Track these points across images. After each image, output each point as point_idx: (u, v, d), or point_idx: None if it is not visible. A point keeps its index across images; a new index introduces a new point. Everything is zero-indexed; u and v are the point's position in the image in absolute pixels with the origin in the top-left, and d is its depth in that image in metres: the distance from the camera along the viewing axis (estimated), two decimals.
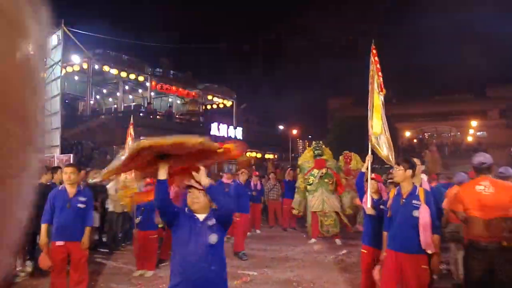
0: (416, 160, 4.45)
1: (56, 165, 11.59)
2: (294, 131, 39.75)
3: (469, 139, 38.34)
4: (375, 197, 4.96)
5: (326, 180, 9.37)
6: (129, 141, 7.41)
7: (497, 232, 3.53)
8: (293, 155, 36.44)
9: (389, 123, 5.29)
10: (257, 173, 12.25)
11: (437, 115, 41.63)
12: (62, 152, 13.37)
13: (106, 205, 8.21)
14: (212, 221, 2.68)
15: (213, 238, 2.63)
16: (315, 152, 9.77)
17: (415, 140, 40.15)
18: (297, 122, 41.29)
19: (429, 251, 3.71)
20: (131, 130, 7.58)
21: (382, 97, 4.99)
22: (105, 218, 8.28)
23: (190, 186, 2.75)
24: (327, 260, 7.73)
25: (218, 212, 2.69)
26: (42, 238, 4.72)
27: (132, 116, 8.26)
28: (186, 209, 2.79)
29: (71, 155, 12.51)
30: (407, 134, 41.35)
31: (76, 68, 20.97)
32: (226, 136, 25.17)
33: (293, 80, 59.72)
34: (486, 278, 3.59)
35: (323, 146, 9.96)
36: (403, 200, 3.90)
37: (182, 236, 2.65)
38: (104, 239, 8.62)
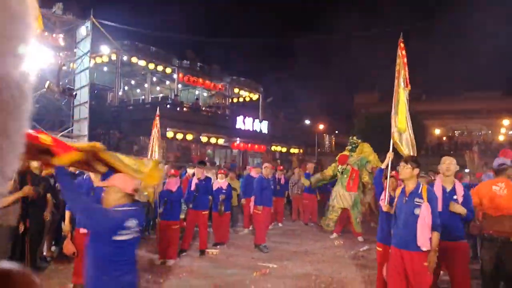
0: (449, 160, 4.43)
1: None
2: (321, 126, 39.43)
3: (501, 138, 36.92)
4: (393, 194, 4.87)
5: (345, 176, 9.33)
6: (155, 132, 7.47)
7: (507, 228, 4.06)
8: (318, 150, 36.19)
9: (417, 120, 5.20)
10: (281, 167, 12.24)
11: (467, 113, 40.19)
12: (90, 141, 13.72)
13: None
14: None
15: None
16: (348, 147, 9.73)
17: (444, 138, 38.98)
18: (323, 117, 40.93)
19: (424, 249, 3.73)
20: (157, 121, 7.66)
21: (407, 93, 4.86)
22: None
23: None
24: (347, 255, 7.66)
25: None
26: (66, 225, 4.88)
27: (158, 107, 8.34)
28: None
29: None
30: (436, 132, 40.20)
31: (105, 59, 21.41)
32: (251, 129, 25.24)
33: (320, 74, 59.04)
34: (495, 268, 4.17)
35: (359, 141, 9.83)
36: (406, 198, 3.95)
37: None
38: None
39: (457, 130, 42.58)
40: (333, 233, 9.51)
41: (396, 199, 4.12)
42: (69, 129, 14.91)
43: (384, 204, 4.70)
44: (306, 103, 41.80)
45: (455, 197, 4.26)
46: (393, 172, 4.94)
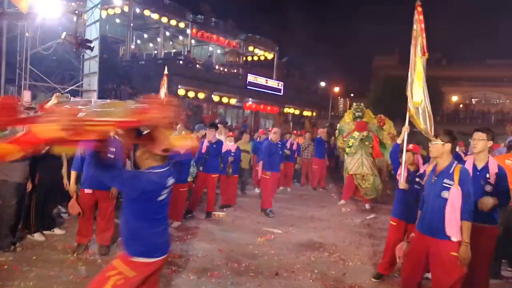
0: (477, 135, 3.88)
1: None
2: (336, 89, 38.70)
3: None
4: (412, 169, 4.70)
5: (366, 143, 9.10)
6: (163, 92, 7.29)
7: None
8: (332, 113, 35.74)
9: (435, 86, 4.86)
10: (295, 132, 12.08)
11: (488, 80, 38.75)
12: (100, 97, 13.65)
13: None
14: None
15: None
16: (356, 114, 9.39)
17: (461, 106, 37.99)
18: (339, 79, 40.10)
19: (454, 239, 3.29)
20: (164, 81, 7.44)
21: (424, 61, 4.52)
22: (138, 166, 8.46)
23: None
24: (353, 223, 7.64)
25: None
26: (72, 185, 4.86)
27: (166, 66, 8.09)
28: None
29: (108, 100, 12.71)
30: (454, 99, 39.14)
31: (117, 10, 20.91)
32: (264, 90, 24.86)
33: (338, 35, 57.25)
34: (505, 233, 4.41)
35: (364, 108, 9.53)
36: (435, 178, 3.49)
37: None
38: None
39: (474, 98, 41.42)
40: (341, 199, 9.49)
41: (425, 178, 3.70)
42: (79, 83, 14.79)
43: (400, 180, 4.47)
44: (322, 64, 40.89)
45: (487, 175, 3.82)
46: (410, 146, 4.71)
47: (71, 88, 14.35)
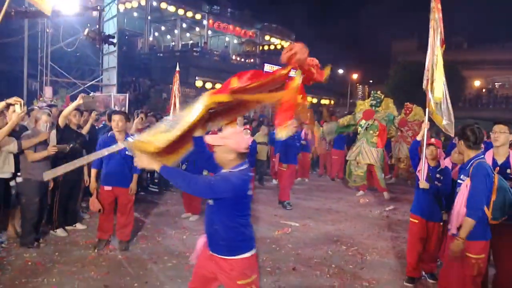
0: (498, 128, 3.70)
1: (113, 104, 12.11)
2: (354, 76, 38.11)
3: None
4: (432, 164, 4.47)
5: (371, 131, 9.04)
6: (176, 89, 7.28)
7: None
8: (351, 101, 35.27)
9: (456, 70, 4.58)
10: (308, 122, 11.93)
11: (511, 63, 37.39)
12: (119, 90, 13.84)
13: None
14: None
15: (210, 199, 2.66)
16: (371, 102, 9.27)
17: (483, 90, 36.82)
18: (357, 66, 39.42)
19: (452, 231, 3.30)
20: (177, 78, 7.37)
21: (441, 53, 4.25)
22: None
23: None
24: (371, 215, 7.58)
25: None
26: (92, 182, 4.96)
27: (182, 60, 8.11)
28: None
29: (127, 94, 12.89)
30: (476, 83, 37.95)
31: (135, 4, 21.10)
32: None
33: (356, 21, 56.11)
34: None
35: (383, 96, 9.37)
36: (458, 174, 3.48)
37: None
38: (156, 180, 9.06)
39: (498, 82, 40.04)
40: (359, 190, 9.42)
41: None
42: (99, 78, 15.03)
43: (420, 177, 4.27)
44: (340, 51, 40.19)
45: (508, 171, 3.64)
46: (432, 140, 4.54)
47: (91, 83, 14.60)
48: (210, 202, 2.64)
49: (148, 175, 8.82)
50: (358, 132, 9.33)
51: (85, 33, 10.68)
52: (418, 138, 4.45)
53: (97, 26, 10.83)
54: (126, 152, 4.75)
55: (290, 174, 8.08)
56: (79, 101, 5.32)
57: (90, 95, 7.55)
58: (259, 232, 6.06)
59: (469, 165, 3.30)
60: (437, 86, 4.10)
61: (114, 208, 5.10)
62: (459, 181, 3.34)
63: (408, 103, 10.21)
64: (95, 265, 4.47)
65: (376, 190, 9.36)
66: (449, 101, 4.29)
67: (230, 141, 2.58)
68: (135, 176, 5.03)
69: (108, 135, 4.99)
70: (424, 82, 4.31)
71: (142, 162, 2.56)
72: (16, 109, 4.41)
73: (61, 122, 5.38)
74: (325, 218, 7.14)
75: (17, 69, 14.23)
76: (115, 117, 4.88)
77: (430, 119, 4.37)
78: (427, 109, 4.33)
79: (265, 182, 10.03)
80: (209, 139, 2.66)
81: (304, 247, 5.52)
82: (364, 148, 9.01)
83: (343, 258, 5.17)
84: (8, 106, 4.43)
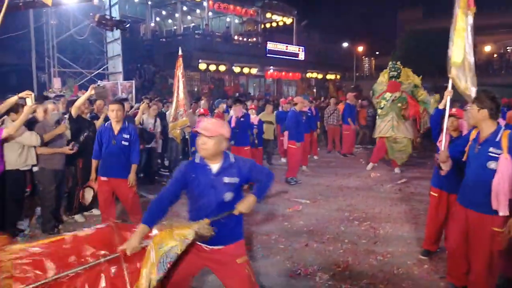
0: None
1: (120, 92, 12.14)
2: (360, 48, 37.55)
3: None
4: (454, 135, 4.25)
5: (399, 104, 8.68)
6: (179, 74, 7.20)
7: None
8: (357, 74, 34.88)
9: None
10: (311, 98, 11.87)
11: None
12: (125, 78, 13.85)
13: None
14: (233, 180, 2.55)
15: (228, 196, 2.55)
16: (390, 73, 8.90)
17: (495, 55, 36.01)
18: (362, 38, 38.81)
19: (501, 213, 3.01)
20: (180, 63, 7.26)
21: (471, 17, 4.08)
22: (167, 143, 8.60)
23: (199, 133, 2.52)
24: (382, 189, 7.58)
25: (255, 182, 2.70)
26: (92, 173, 4.90)
27: (183, 45, 8.04)
28: (197, 157, 2.62)
29: (133, 81, 12.89)
30: (487, 49, 37.09)
31: None
32: (285, 57, 24.44)
33: None
34: None
35: (401, 67, 8.98)
36: (478, 146, 3.18)
37: (194, 189, 2.57)
38: (166, 163, 9.14)
39: (510, 46, 39.07)
40: (369, 162, 9.36)
41: (468, 144, 3.33)
42: (104, 66, 15.03)
43: (441, 148, 3.98)
44: (344, 24, 39.53)
45: None
46: (454, 110, 4.27)
47: (97, 72, 14.64)
48: (227, 199, 2.54)
49: (159, 160, 8.89)
50: (382, 105, 8.89)
51: (95, 19, 10.44)
52: (440, 106, 4.25)
53: (108, 12, 10.64)
54: (122, 142, 4.69)
55: (300, 152, 8.08)
56: (90, 91, 5.42)
57: (100, 85, 7.51)
58: (271, 210, 6.12)
59: (498, 136, 3.08)
60: (455, 50, 3.95)
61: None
62: (490, 154, 3.06)
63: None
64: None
65: (388, 163, 9.29)
66: (472, 66, 4.11)
67: (224, 130, 2.55)
68: (133, 167, 4.78)
69: (105, 125, 4.84)
70: (450, 48, 4.06)
71: (249, 205, 2.56)
72: (27, 102, 4.49)
73: (73, 112, 5.51)
74: (336, 194, 7.16)
75: (25, 62, 14.41)
76: (114, 107, 4.68)
77: (453, 87, 4.13)
78: (449, 76, 4.06)
79: (273, 161, 10.04)
80: (207, 131, 2.48)
81: (316, 223, 5.56)
82: (396, 122, 8.68)
83: (355, 233, 5.20)
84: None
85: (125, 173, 4.71)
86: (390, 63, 9.16)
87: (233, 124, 7.29)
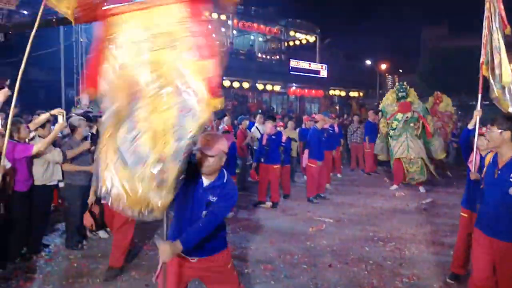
0: None
1: None
2: (383, 66, 37.27)
3: None
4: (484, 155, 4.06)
5: (411, 124, 8.76)
6: None
7: None
8: (380, 92, 34.55)
9: None
10: (333, 115, 11.80)
11: None
12: None
13: None
14: (214, 198, 2.55)
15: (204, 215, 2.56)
16: (399, 94, 9.03)
17: None
18: (386, 56, 38.51)
19: None
20: None
21: (503, 36, 4.06)
22: None
23: (201, 151, 2.48)
24: (408, 209, 7.42)
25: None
26: (90, 195, 4.90)
27: None
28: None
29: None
30: None
31: None
32: (308, 74, 24.52)
33: (382, 9, 54.88)
34: None
35: (408, 87, 9.14)
36: (498, 171, 3.00)
37: (182, 197, 2.53)
38: None
39: None
40: (392, 184, 9.23)
41: (484, 170, 3.20)
42: None
43: (472, 169, 3.96)
44: (367, 41, 39.44)
45: None
46: (483, 129, 4.17)
47: None
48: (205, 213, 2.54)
49: None
50: (394, 126, 8.92)
51: None
52: (470, 127, 4.14)
53: None
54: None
55: (320, 170, 8.01)
56: None
57: None
58: (293, 229, 6.07)
59: None
60: (505, 70, 3.89)
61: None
62: None
63: (438, 92, 9.84)
64: (136, 266, 4.60)
65: (409, 184, 9.13)
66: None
67: (224, 145, 2.55)
68: None
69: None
70: (483, 67, 4.07)
71: (166, 254, 2.35)
72: (59, 119, 4.62)
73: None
74: (360, 213, 7.05)
75: (54, 78, 14.86)
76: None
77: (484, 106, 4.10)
78: (479, 95, 4.06)
79: (295, 179, 9.99)
80: (209, 150, 2.45)
81: (340, 243, 5.48)
82: (410, 142, 8.70)
83: (380, 254, 5.09)
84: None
85: None
86: (397, 83, 9.45)
87: (264, 142, 7.31)
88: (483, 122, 4.12)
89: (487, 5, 4.08)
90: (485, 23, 4.09)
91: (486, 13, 4.07)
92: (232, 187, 2.66)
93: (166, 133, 2.02)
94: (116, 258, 4.36)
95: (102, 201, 4.51)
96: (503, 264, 2.99)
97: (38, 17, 3.20)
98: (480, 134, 4.06)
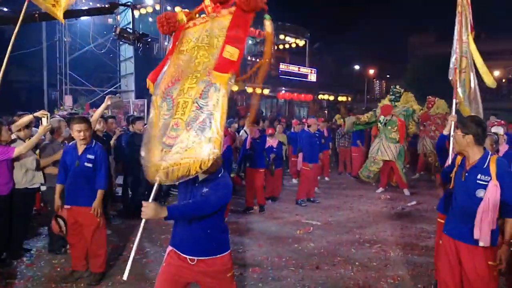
0: None
1: (132, 111, 12.28)
2: (371, 71, 37.72)
3: None
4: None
5: (389, 127, 8.93)
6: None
7: None
8: (368, 96, 34.93)
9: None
10: (322, 119, 11.85)
11: None
12: (137, 96, 14.03)
13: None
14: (207, 190, 2.60)
15: None
16: (390, 97, 9.24)
17: (503, 80, 35.83)
18: (374, 61, 38.97)
19: (481, 244, 2.81)
20: None
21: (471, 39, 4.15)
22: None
23: None
24: (393, 212, 7.51)
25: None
26: (56, 200, 4.23)
27: None
28: None
29: (145, 100, 13.07)
30: (496, 73, 36.94)
31: (149, 9, 21.36)
32: (297, 78, 24.64)
33: (371, 15, 55.43)
34: None
35: (402, 91, 9.30)
36: (466, 173, 2.96)
37: (182, 187, 2.70)
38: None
39: None
40: (378, 187, 9.33)
41: (453, 173, 3.13)
42: (117, 84, 15.28)
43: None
44: (356, 47, 39.80)
45: None
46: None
47: (109, 90, 14.83)
48: None
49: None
50: (378, 128, 9.24)
51: (116, 31, 10.30)
52: (445, 132, 4.09)
53: (131, 25, 10.69)
54: (86, 164, 4.07)
55: (314, 173, 8.05)
56: (107, 102, 5.10)
57: (116, 95, 7.46)
58: (281, 232, 6.09)
59: (486, 162, 2.89)
60: (485, 74, 3.95)
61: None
62: (479, 182, 2.86)
63: (430, 97, 9.99)
64: (121, 270, 4.55)
65: (396, 186, 9.25)
66: (478, 92, 4.13)
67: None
68: (99, 193, 4.11)
69: (70, 144, 4.31)
70: (452, 72, 4.11)
71: (148, 212, 2.37)
72: (43, 121, 4.52)
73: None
74: (347, 216, 7.10)
75: (36, 79, 14.60)
76: (80, 126, 4.01)
77: (457, 111, 4.12)
78: (453, 101, 4.08)
79: (284, 182, 10.01)
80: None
81: (327, 245, 5.51)
82: (383, 145, 8.92)
83: (366, 255, 5.14)
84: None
85: (89, 200, 4.08)
86: (392, 86, 9.60)
87: (247, 146, 7.26)
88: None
89: (459, 8, 4.15)
90: (457, 28, 4.15)
91: (457, 17, 4.14)
92: (225, 180, 2.66)
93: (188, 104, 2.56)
94: (98, 265, 4.27)
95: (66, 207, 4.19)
96: (468, 268, 2.92)
97: (22, 13, 3.15)
98: None
